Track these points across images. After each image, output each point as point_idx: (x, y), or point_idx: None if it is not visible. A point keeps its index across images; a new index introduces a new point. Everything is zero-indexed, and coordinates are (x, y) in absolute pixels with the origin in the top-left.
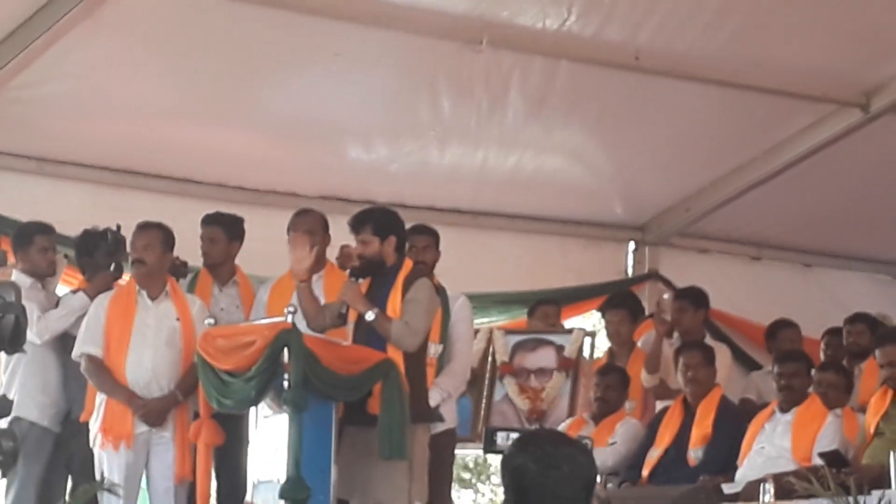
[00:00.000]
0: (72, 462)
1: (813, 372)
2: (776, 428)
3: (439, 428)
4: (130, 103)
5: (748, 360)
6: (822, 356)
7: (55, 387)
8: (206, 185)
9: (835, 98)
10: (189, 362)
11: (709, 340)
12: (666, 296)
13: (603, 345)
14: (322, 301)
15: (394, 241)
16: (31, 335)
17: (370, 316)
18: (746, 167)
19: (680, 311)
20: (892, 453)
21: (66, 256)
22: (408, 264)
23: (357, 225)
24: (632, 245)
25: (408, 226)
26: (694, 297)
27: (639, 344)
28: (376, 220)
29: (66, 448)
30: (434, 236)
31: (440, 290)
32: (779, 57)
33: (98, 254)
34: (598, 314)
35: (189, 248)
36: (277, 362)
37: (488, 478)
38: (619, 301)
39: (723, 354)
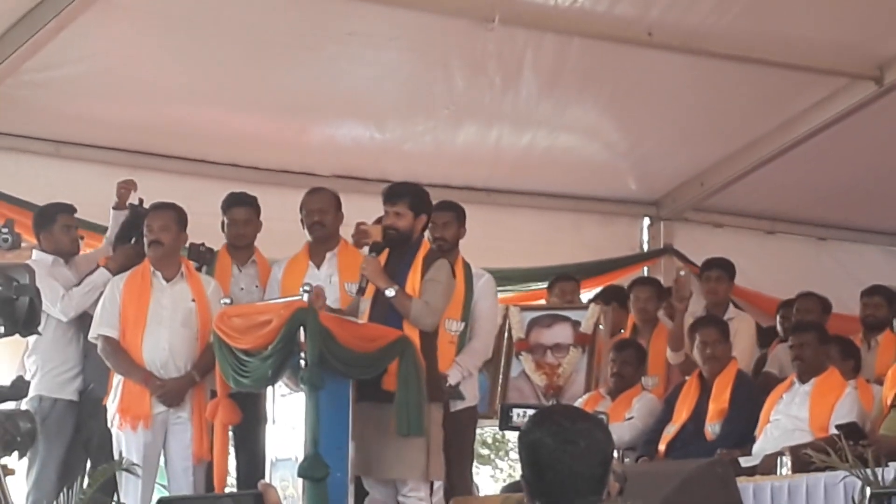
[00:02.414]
0: (90, 443)
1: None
2: (794, 398)
3: (460, 405)
4: (144, 85)
5: (763, 334)
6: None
7: (76, 362)
8: (220, 165)
9: (848, 71)
10: (205, 342)
11: (733, 311)
12: (682, 272)
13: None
14: (335, 278)
15: (424, 220)
16: (56, 312)
17: (390, 293)
18: (760, 141)
19: (718, 280)
20: None
21: (81, 238)
22: (426, 244)
23: (393, 196)
24: (646, 220)
25: None
26: (728, 268)
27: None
28: (413, 195)
29: (85, 429)
30: (455, 212)
31: (465, 267)
32: (791, 31)
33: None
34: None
35: (203, 228)
36: (294, 341)
37: (506, 454)
38: (647, 278)
39: (748, 324)
